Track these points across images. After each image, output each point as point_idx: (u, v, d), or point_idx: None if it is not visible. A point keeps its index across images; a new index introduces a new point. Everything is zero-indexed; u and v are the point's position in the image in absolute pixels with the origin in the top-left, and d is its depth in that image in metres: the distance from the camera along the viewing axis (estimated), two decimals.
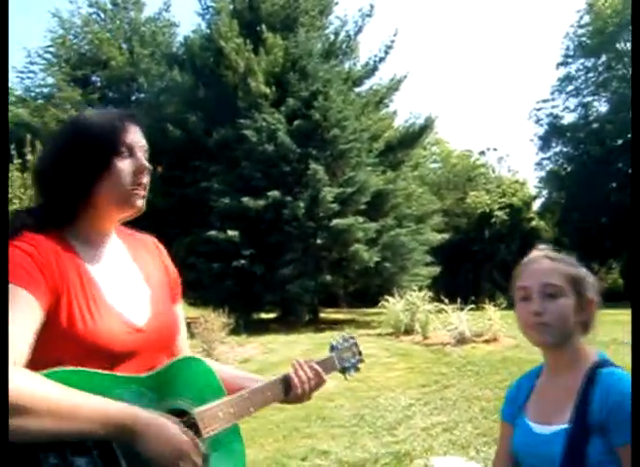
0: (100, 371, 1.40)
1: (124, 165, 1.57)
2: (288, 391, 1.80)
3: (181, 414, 1.51)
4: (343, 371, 2.10)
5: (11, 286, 1.37)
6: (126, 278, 1.64)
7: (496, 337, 10.77)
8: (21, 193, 18.85)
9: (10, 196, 18.26)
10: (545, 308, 1.70)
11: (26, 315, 1.36)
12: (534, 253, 1.83)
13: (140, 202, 1.61)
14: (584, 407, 1.63)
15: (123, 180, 1.56)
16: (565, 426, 1.65)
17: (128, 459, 1.35)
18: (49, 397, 1.27)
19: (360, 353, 2.20)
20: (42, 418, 1.25)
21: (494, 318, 11.15)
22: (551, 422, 1.70)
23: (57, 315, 1.43)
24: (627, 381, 1.60)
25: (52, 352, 1.39)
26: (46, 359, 1.36)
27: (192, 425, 1.50)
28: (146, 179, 1.62)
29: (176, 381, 1.55)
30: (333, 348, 2.09)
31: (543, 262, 1.77)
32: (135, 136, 1.62)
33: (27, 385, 1.26)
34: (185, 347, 1.83)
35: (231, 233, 16.51)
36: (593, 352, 1.74)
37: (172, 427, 1.39)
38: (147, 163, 1.61)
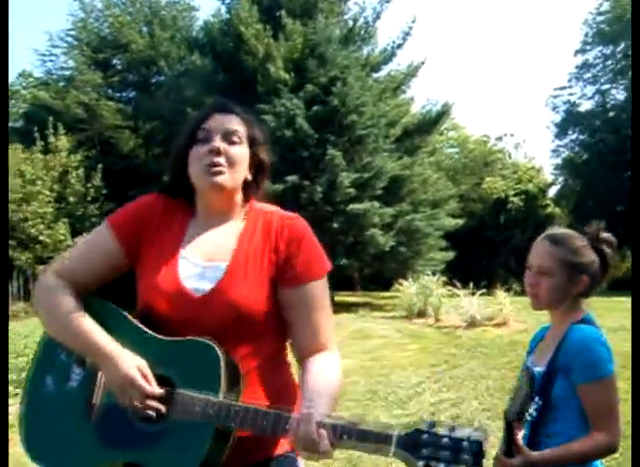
0: (130, 318, 1.76)
1: (198, 150, 1.78)
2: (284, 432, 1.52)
3: (167, 383, 1.64)
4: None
5: (104, 222, 1.85)
6: (209, 256, 1.79)
7: (506, 321, 11.05)
8: (44, 174, 19.16)
9: (33, 177, 18.63)
10: (538, 283, 2.09)
11: (97, 242, 1.83)
12: (544, 233, 2.18)
13: (213, 180, 1.75)
14: (556, 353, 2.01)
15: (196, 163, 1.78)
16: (543, 369, 2.04)
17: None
18: (57, 309, 1.75)
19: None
20: (50, 321, 1.78)
21: (504, 303, 11.43)
22: (538, 365, 2.08)
23: (140, 260, 1.82)
24: (589, 334, 2.00)
25: (140, 293, 1.81)
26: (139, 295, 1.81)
27: (168, 398, 1.62)
28: (218, 159, 1.76)
29: (182, 356, 1.65)
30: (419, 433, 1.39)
31: (542, 243, 2.11)
32: (214, 122, 1.81)
33: (54, 292, 1.77)
34: (302, 333, 1.81)
35: None
36: (582, 312, 2.09)
37: (124, 364, 1.65)
38: (219, 145, 1.76)
